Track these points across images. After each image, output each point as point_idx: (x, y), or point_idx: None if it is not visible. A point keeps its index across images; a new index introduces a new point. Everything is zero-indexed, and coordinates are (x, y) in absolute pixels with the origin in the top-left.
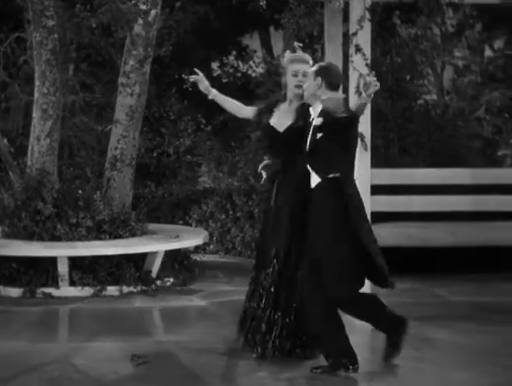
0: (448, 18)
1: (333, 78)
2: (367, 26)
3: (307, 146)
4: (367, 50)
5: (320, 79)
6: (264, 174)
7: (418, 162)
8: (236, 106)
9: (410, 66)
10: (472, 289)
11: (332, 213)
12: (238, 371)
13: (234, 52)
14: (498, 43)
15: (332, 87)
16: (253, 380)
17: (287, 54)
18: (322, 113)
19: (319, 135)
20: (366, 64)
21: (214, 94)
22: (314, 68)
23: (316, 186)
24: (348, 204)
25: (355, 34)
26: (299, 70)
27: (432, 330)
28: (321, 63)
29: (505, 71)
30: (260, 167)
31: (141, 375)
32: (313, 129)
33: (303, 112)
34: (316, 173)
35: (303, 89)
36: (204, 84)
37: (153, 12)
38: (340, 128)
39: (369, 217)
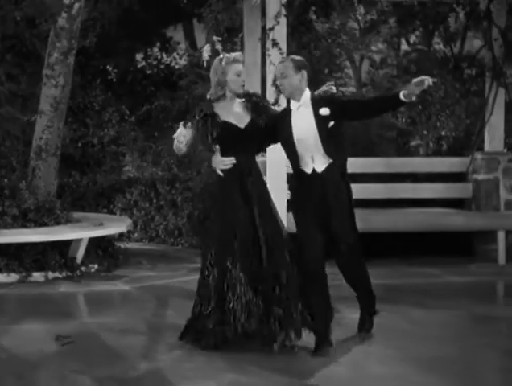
0: (361, 14)
1: (309, 69)
2: (283, 21)
3: (319, 136)
4: (283, 44)
5: (304, 72)
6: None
7: None
8: None
9: (328, 59)
10: (384, 273)
11: (346, 193)
12: (159, 349)
13: (158, 44)
14: (414, 38)
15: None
16: (173, 357)
17: (226, 55)
18: (322, 103)
19: (331, 123)
20: (282, 58)
21: None
22: (293, 63)
23: (326, 169)
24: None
25: (272, 29)
26: (241, 71)
27: (346, 311)
28: (295, 57)
29: (418, 65)
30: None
31: (66, 353)
32: (321, 119)
33: (259, 106)
34: (333, 158)
35: (284, 86)
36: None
37: (76, 5)
38: (344, 117)
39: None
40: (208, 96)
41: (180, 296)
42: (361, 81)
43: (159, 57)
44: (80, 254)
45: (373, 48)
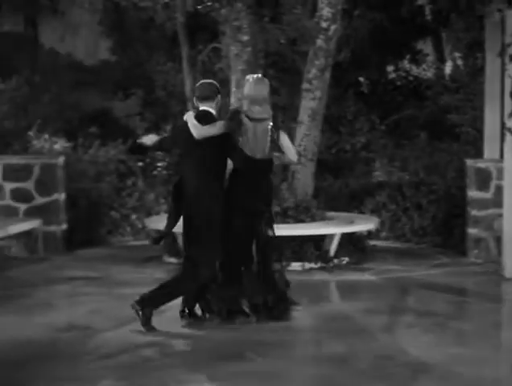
0: None
1: None
2: None
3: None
4: None
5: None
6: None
7: None
8: None
9: None
10: None
11: None
12: (397, 326)
13: (408, 56)
14: None
15: None
16: (410, 332)
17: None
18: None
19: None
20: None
21: None
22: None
23: None
24: None
25: (509, 45)
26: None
27: None
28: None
29: None
30: None
31: (322, 329)
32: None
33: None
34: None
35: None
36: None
37: (332, 27)
38: None
39: None
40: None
41: (421, 286)
42: None
43: (408, 69)
44: (332, 248)
45: None
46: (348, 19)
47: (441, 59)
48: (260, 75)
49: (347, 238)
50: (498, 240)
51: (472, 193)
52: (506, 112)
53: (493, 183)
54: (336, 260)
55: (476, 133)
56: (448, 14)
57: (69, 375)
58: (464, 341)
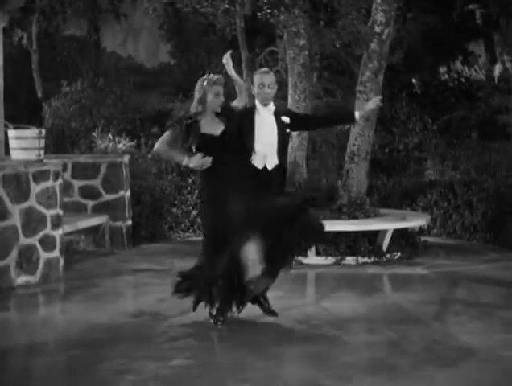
0: None
1: None
2: None
3: (277, 139)
4: None
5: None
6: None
7: None
8: None
9: None
10: None
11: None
12: (446, 315)
13: (460, 58)
14: None
15: None
16: (456, 321)
17: (208, 77)
18: (282, 113)
19: (287, 130)
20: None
21: None
22: (273, 77)
23: (274, 168)
24: None
25: None
26: (220, 92)
27: None
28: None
29: None
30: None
31: (374, 314)
32: (282, 125)
33: (227, 110)
34: (282, 160)
35: (269, 94)
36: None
37: (386, 31)
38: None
39: None
40: (190, 112)
41: (470, 280)
42: None
43: (460, 70)
44: (385, 243)
45: None
46: (401, 22)
47: (492, 61)
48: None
49: (399, 234)
50: None
51: None
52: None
53: None
54: (388, 255)
55: None
56: (498, 19)
57: (144, 355)
58: (509, 328)
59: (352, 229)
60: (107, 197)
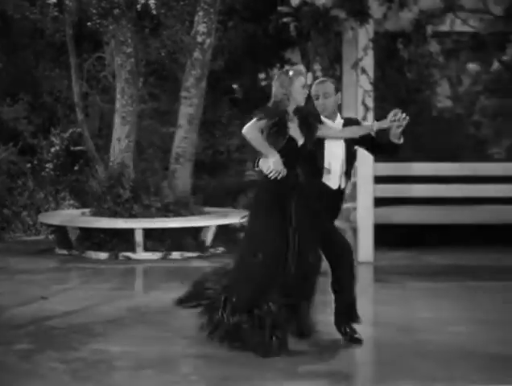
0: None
1: None
2: (370, 52)
3: (345, 155)
4: (370, 71)
5: (339, 94)
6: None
7: (422, 157)
8: None
9: (420, 79)
10: (455, 256)
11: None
12: None
13: (278, 65)
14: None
15: None
16: None
17: (292, 68)
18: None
19: (355, 147)
20: (370, 83)
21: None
22: (333, 85)
23: (340, 186)
24: None
25: (361, 59)
26: (305, 83)
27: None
28: (329, 80)
29: (498, 83)
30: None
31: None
32: (349, 141)
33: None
34: (348, 177)
35: (326, 106)
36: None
37: (208, 41)
38: (365, 146)
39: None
40: (272, 105)
41: None
42: (456, 97)
43: None
44: (209, 238)
45: (468, 66)
46: (223, 31)
47: (308, 69)
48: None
49: (222, 230)
50: (355, 230)
51: None
52: (360, 117)
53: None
54: (212, 250)
55: None
56: (309, 31)
57: None
58: (322, 309)
59: (177, 226)
60: None
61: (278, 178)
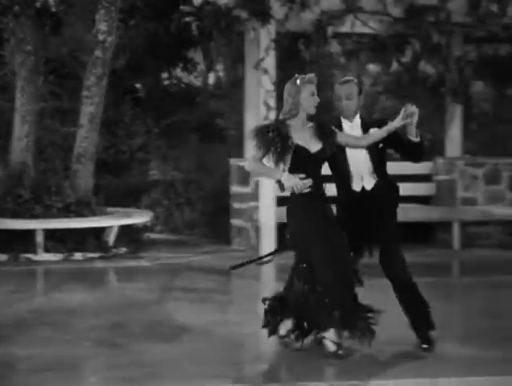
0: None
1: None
2: (272, 52)
3: (372, 156)
4: (272, 71)
5: (362, 96)
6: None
7: None
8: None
9: (321, 79)
10: None
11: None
12: (165, 298)
13: (181, 64)
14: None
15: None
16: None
17: (301, 76)
18: (371, 125)
19: (381, 145)
20: (272, 83)
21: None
22: (357, 85)
23: (373, 187)
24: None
25: (263, 59)
26: (314, 91)
27: None
28: (355, 80)
29: (398, 84)
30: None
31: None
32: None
33: (327, 132)
34: (383, 178)
35: (349, 107)
36: None
37: (109, 39)
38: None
39: None
40: (281, 116)
41: (189, 269)
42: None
43: (180, 76)
44: (111, 239)
45: (368, 67)
46: (124, 29)
47: (210, 69)
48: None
49: (125, 230)
50: (257, 229)
51: (235, 188)
52: (261, 117)
53: (253, 179)
54: (115, 250)
55: (239, 136)
56: (211, 31)
57: None
58: (221, 309)
59: (79, 226)
60: None
61: (305, 190)
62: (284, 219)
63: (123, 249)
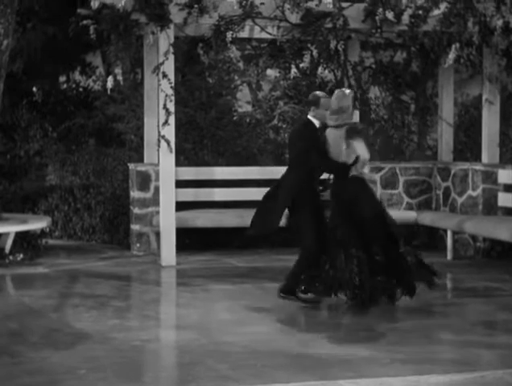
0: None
1: None
2: (171, 57)
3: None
4: (171, 76)
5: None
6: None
7: (223, 162)
8: None
9: (220, 84)
10: (252, 259)
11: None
12: (83, 314)
13: (79, 68)
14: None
15: None
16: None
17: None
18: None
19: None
20: (171, 87)
21: None
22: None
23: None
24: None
25: (162, 63)
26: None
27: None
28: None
29: (296, 89)
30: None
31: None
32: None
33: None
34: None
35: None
36: None
37: (5, 42)
38: None
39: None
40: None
41: (89, 275)
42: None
43: (78, 80)
44: (8, 245)
45: (267, 72)
46: (21, 32)
47: (109, 73)
48: (344, 89)
49: (21, 236)
50: (157, 235)
51: (135, 193)
52: (161, 122)
53: (153, 184)
54: (11, 257)
55: (139, 140)
56: (110, 35)
57: None
58: (120, 315)
59: None
60: None
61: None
62: (185, 224)
63: (20, 256)
